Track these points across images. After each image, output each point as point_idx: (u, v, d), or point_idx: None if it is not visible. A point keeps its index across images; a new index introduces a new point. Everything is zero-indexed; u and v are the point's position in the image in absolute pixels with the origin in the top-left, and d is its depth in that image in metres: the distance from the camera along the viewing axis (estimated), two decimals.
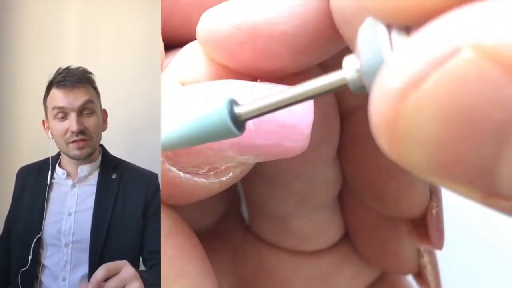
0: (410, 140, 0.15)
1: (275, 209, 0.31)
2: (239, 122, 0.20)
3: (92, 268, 0.37)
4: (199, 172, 0.23)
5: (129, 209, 0.40)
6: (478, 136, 0.14)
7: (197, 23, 0.24)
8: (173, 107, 0.22)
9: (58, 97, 0.41)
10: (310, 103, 0.23)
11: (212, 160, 0.23)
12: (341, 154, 0.30)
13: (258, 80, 0.24)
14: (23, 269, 0.38)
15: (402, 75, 0.14)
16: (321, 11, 0.23)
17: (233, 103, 0.20)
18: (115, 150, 0.44)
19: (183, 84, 0.24)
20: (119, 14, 0.50)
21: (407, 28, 0.16)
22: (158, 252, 0.24)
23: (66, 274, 0.38)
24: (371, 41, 0.17)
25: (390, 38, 0.16)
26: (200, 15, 0.25)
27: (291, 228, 0.31)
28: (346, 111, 0.29)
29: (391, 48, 0.16)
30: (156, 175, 0.40)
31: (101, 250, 0.38)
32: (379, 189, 0.29)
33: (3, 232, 0.41)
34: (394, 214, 0.30)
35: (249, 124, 0.22)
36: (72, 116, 0.40)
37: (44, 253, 0.39)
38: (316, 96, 0.19)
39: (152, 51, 0.44)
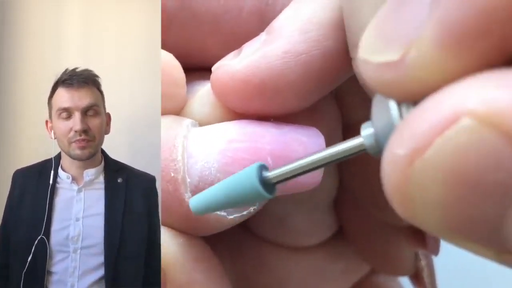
0: (419, 202, 0.16)
1: (274, 209, 0.32)
2: (269, 185, 0.22)
3: (109, 272, 0.38)
4: None
5: (136, 212, 0.40)
6: (482, 197, 0.15)
7: (211, 50, 0.25)
8: (196, 147, 0.24)
9: (64, 97, 0.41)
10: (322, 143, 0.25)
11: None
12: (342, 163, 0.30)
13: (271, 120, 0.26)
14: (28, 278, 0.38)
15: (408, 143, 0.16)
16: (324, 56, 0.24)
17: (262, 168, 0.22)
18: (114, 152, 0.44)
19: (200, 123, 0.26)
20: (120, 14, 0.50)
21: (415, 102, 0.17)
22: (158, 256, 0.25)
23: (75, 281, 0.38)
24: (383, 112, 0.18)
25: (400, 109, 0.18)
26: (214, 42, 0.26)
27: (288, 226, 0.32)
28: (349, 123, 0.29)
29: (401, 118, 0.18)
30: (155, 178, 0.41)
31: (116, 254, 0.38)
32: (378, 199, 0.30)
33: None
34: (393, 222, 0.31)
35: (269, 161, 0.24)
36: (77, 116, 0.41)
37: (51, 260, 0.39)
38: (337, 161, 0.21)
39: (152, 52, 0.44)
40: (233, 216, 0.25)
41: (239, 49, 0.26)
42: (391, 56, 0.16)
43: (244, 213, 0.25)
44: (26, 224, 0.40)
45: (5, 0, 0.49)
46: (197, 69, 0.28)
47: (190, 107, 0.26)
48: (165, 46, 0.27)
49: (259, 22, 0.27)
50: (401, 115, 0.18)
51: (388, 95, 0.17)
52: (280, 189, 0.24)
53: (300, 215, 0.31)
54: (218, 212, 0.25)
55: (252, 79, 0.24)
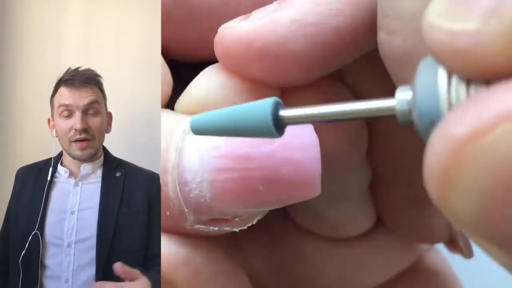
0: (461, 190, 0.15)
1: (310, 203, 0.31)
2: (280, 125, 0.21)
3: (100, 267, 0.38)
4: (225, 218, 0.24)
5: (134, 207, 0.40)
6: None
7: (211, 44, 0.25)
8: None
9: (65, 95, 0.41)
10: (317, 156, 0.23)
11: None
12: (371, 152, 0.30)
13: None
14: (23, 271, 0.38)
15: (468, 123, 0.14)
16: (333, 31, 0.23)
17: (278, 104, 0.21)
18: (114, 151, 0.44)
19: (206, 99, 0.25)
20: (120, 14, 0.50)
21: (468, 80, 0.16)
22: (159, 255, 0.24)
23: (69, 275, 0.38)
24: (429, 82, 0.17)
25: (449, 83, 0.17)
26: (213, 36, 0.26)
27: (325, 218, 0.31)
28: None
29: (449, 94, 0.17)
30: (158, 175, 0.41)
31: (108, 248, 0.38)
32: (410, 178, 0.30)
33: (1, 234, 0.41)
34: (425, 197, 0.31)
35: (260, 188, 0.22)
36: (77, 114, 0.41)
37: (45, 252, 0.39)
38: (361, 119, 0.20)
39: (152, 52, 0.44)
40: (237, 227, 0.25)
41: (247, 14, 0.25)
42: (469, 24, 0.15)
43: (249, 224, 0.25)
44: (23, 218, 0.40)
45: (5, 0, 0.49)
46: (198, 64, 0.28)
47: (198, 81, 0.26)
48: (163, 42, 0.27)
49: None
50: (449, 92, 0.17)
51: (454, 65, 0.16)
52: (278, 204, 0.24)
53: (334, 208, 0.31)
54: (223, 227, 0.24)
55: (255, 43, 0.23)
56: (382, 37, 0.23)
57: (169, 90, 0.26)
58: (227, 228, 0.25)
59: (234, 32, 0.24)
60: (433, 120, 0.16)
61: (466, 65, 0.16)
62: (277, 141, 0.23)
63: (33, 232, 0.39)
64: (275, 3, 0.25)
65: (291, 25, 0.23)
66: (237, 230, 0.25)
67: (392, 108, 0.18)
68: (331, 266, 0.31)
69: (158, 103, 0.26)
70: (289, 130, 0.23)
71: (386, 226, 0.32)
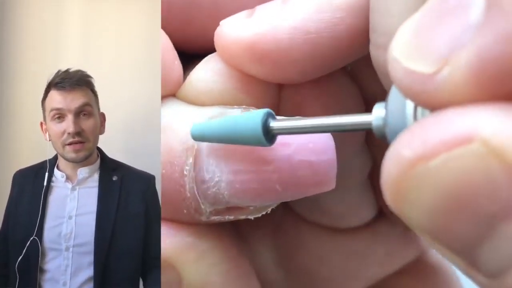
0: (410, 204, 0.16)
1: None
2: (270, 134, 0.22)
3: (98, 270, 0.38)
4: (240, 207, 0.25)
5: (131, 210, 0.40)
6: (469, 218, 0.16)
7: (212, 34, 0.25)
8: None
9: (56, 98, 0.41)
10: (333, 158, 0.24)
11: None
12: (369, 139, 0.30)
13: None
14: (21, 276, 0.39)
15: (416, 146, 0.16)
16: (334, 40, 0.24)
17: (269, 115, 0.22)
18: (114, 152, 0.44)
19: (208, 92, 0.25)
20: (120, 14, 0.50)
21: None
22: (158, 258, 0.25)
23: (67, 279, 0.39)
24: (399, 103, 0.19)
25: (416, 109, 0.19)
26: (214, 25, 0.26)
27: (325, 208, 0.31)
28: (369, 98, 0.29)
29: (415, 114, 0.19)
30: (153, 177, 0.41)
31: (106, 252, 0.38)
32: None
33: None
34: None
35: (277, 188, 0.24)
36: (69, 118, 0.40)
37: (44, 258, 0.39)
38: (343, 131, 0.22)
39: (152, 52, 0.44)
40: (252, 215, 0.25)
41: (252, 9, 0.25)
42: (425, 67, 0.17)
43: (263, 212, 0.25)
44: (21, 223, 0.40)
45: (5, 0, 0.49)
46: (198, 55, 0.27)
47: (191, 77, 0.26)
48: (165, 31, 0.27)
49: (260, 3, 0.26)
50: (415, 115, 0.18)
51: (410, 98, 0.18)
52: (295, 198, 0.24)
53: (335, 197, 0.31)
54: (239, 216, 0.25)
55: (255, 47, 0.24)
56: (371, 50, 0.23)
57: (177, 76, 0.26)
58: (243, 217, 0.25)
59: (236, 32, 0.24)
60: None
61: (419, 101, 0.17)
62: (294, 144, 0.24)
63: (32, 238, 0.39)
64: (279, 0, 0.25)
65: (292, 32, 0.24)
66: (251, 218, 0.25)
67: (369, 123, 0.20)
68: (332, 257, 0.31)
69: (158, 103, 0.26)
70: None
71: (387, 218, 0.32)
